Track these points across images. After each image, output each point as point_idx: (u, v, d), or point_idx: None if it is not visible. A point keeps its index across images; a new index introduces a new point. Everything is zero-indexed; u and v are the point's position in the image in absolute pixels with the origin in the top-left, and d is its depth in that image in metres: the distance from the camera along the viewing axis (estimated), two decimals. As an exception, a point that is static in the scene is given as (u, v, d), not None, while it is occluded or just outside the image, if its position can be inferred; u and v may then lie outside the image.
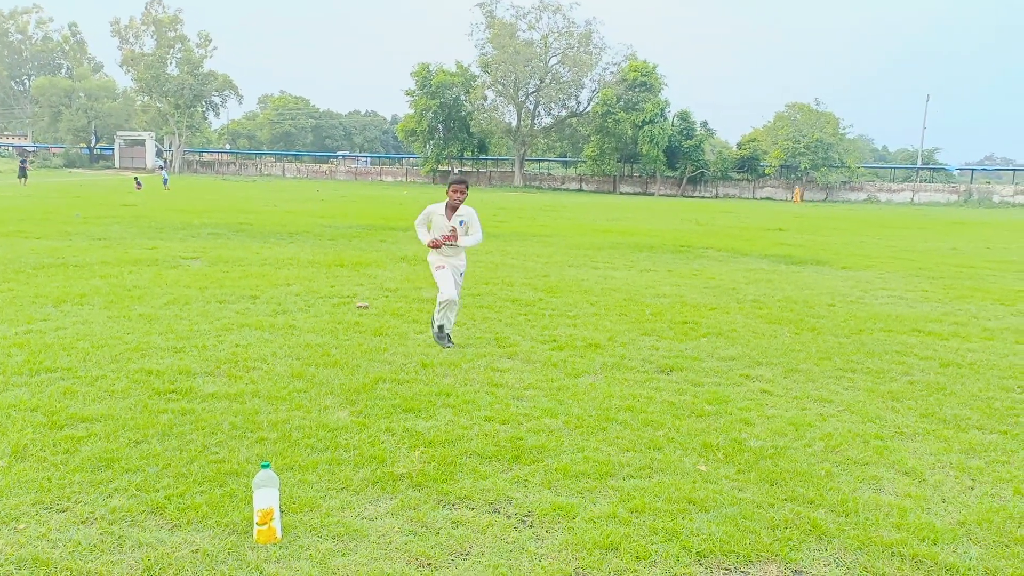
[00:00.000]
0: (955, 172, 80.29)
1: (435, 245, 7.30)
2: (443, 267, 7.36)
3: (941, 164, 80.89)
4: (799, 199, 66.21)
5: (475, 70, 75.90)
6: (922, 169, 78.72)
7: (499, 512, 3.91)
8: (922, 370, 7.11)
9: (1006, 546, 3.70)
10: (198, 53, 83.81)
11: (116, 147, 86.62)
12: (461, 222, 7.23)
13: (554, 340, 7.79)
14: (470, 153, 78.95)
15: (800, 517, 3.92)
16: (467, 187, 7.24)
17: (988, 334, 8.92)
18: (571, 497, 4.07)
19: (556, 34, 73.80)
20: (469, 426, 5.13)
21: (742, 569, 3.45)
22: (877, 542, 3.69)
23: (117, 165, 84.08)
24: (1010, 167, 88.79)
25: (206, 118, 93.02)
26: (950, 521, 3.95)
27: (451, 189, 7.17)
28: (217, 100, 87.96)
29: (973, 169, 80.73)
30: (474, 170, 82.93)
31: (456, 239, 7.23)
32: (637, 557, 3.46)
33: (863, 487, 4.37)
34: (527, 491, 4.16)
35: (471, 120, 75.15)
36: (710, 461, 4.67)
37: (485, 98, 75.31)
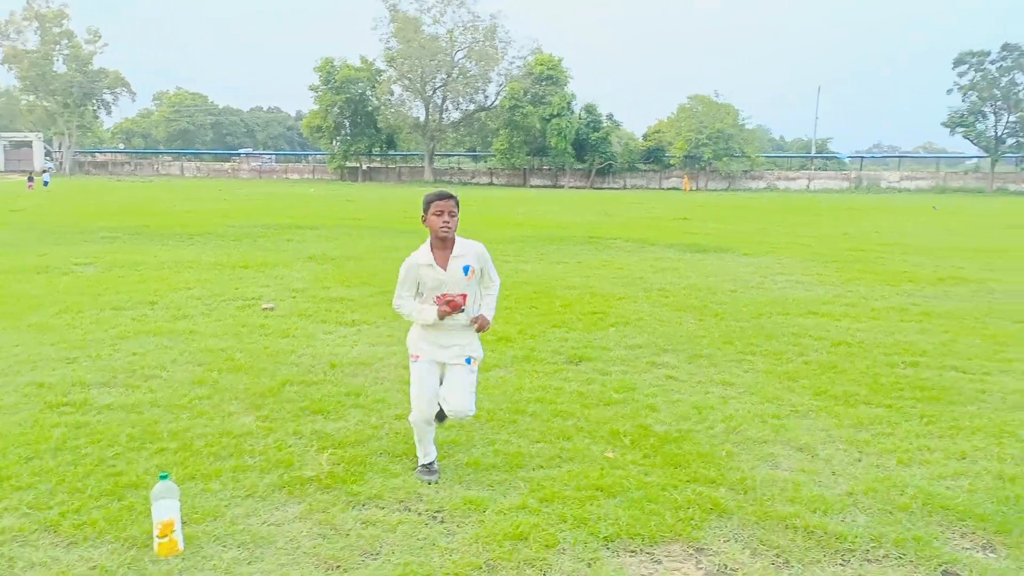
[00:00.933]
0: (846, 160, 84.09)
1: (448, 309, 4.16)
2: (419, 357, 4.31)
3: (833, 153, 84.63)
4: (688, 188, 67.88)
5: (380, 65, 75.07)
6: (816, 158, 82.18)
7: (410, 510, 3.91)
8: (816, 350, 7.45)
9: (889, 513, 3.93)
10: (87, 49, 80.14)
11: (1, 149, 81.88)
12: (467, 268, 4.22)
13: (464, 335, 7.80)
14: (378, 149, 78.07)
15: (702, 497, 4.07)
16: (458, 204, 4.23)
17: (875, 313, 9.40)
18: (482, 490, 4.11)
19: (461, 28, 73.73)
20: (379, 425, 5.10)
21: (647, 550, 3.55)
22: (773, 516, 3.86)
23: (3, 168, 79.50)
24: (896, 154, 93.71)
25: (97, 117, 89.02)
26: (839, 492, 4.17)
27: (432, 212, 4.15)
28: (109, 98, 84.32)
29: (863, 157, 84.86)
30: (383, 166, 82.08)
31: (464, 303, 4.20)
32: (546, 545, 3.52)
33: (761, 464, 4.56)
34: (438, 487, 4.17)
35: (378, 115, 74.32)
36: (617, 448, 4.79)
37: (391, 93, 74.63)
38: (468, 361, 4.31)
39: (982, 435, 5.10)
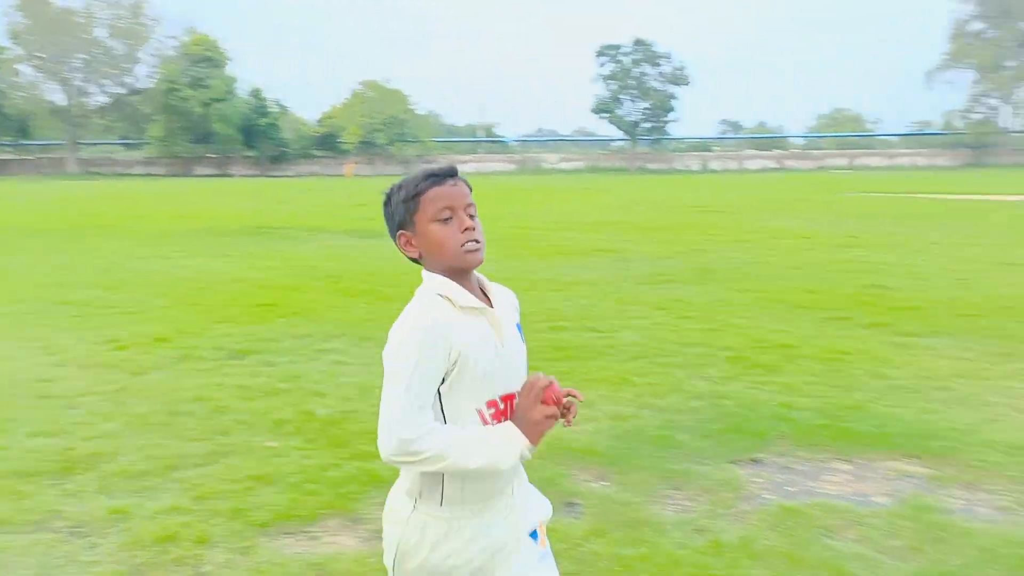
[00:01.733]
0: (513, 143, 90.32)
1: (556, 414, 1.88)
2: None
3: (500, 136, 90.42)
4: (351, 174, 66.67)
5: (4, 42, 65.48)
6: (484, 142, 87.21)
7: (46, 529, 3.61)
8: (474, 323, 8.02)
9: (528, 460, 4.43)
10: None
11: None
12: (519, 328, 2.03)
13: (115, 340, 7.25)
14: (9, 138, 68.14)
15: (361, 471, 4.24)
16: (471, 190, 1.93)
17: (530, 285, 10.28)
18: (129, 498, 3.91)
19: (101, 4, 66.69)
20: (8, 446, 4.60)
21: (305, 529, 3.66)
22: (425, 478, 4.16)
23: None
24: (556, 137, 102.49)
25: None
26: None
27: (431, 214, 1.87)
28: None
29: (527, 140, 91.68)
30: (16, 157, 71.71)
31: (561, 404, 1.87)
32: (198, 541, 3.47)
33: (418, 433, 4.86)
34: (79, 501, 3.90)
35: (5, 100, 64.78)
36: (280, 436, 4.81)
37: (17, 74, 65.43)
38: (535, 535, 1.98)
39: (606, 385, 5.90)
